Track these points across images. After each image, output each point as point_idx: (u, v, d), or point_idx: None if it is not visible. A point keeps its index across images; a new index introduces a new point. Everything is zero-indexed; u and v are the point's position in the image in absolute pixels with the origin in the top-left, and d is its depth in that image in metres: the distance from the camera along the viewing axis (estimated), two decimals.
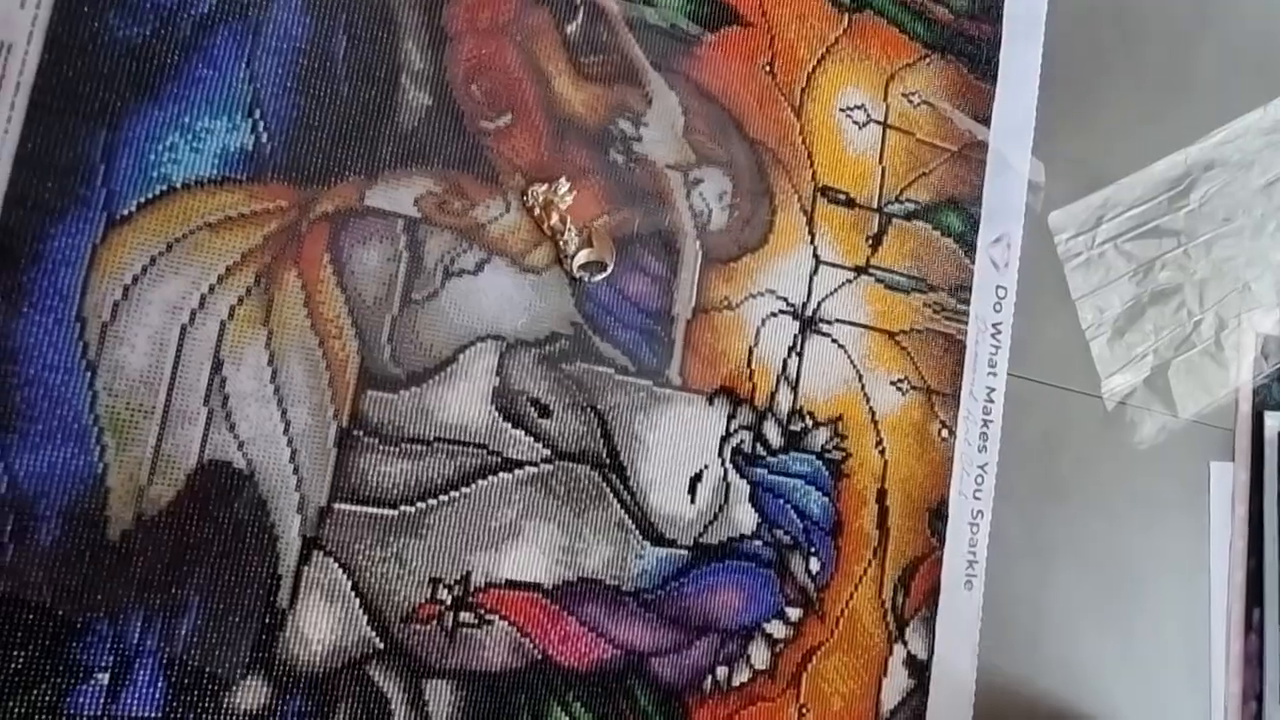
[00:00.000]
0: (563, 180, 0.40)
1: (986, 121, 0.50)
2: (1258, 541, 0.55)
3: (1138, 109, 0.54)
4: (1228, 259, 0.56)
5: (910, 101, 0.48)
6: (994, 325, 0.49)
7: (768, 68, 0.45)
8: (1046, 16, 0.52)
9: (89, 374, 0.33)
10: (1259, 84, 0.58)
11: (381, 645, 0.37)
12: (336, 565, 0.36)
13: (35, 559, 0.32)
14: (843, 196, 0.46)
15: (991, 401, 0.49)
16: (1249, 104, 0.58)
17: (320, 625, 0.36)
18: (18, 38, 0.33)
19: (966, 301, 0.49)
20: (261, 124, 0.36)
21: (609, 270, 0.41)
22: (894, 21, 0.48)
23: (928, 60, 0.49)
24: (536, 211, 0.40)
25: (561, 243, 0.40)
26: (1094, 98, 0.53)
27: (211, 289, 0.35)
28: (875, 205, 0.47)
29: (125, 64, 0.34)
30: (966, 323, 0.49)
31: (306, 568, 0.36)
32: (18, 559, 0.32)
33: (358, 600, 0.36)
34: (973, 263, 0.49)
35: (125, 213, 0.34)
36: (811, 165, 0.46)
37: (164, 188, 0.35)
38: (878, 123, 0.47)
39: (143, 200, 0.34)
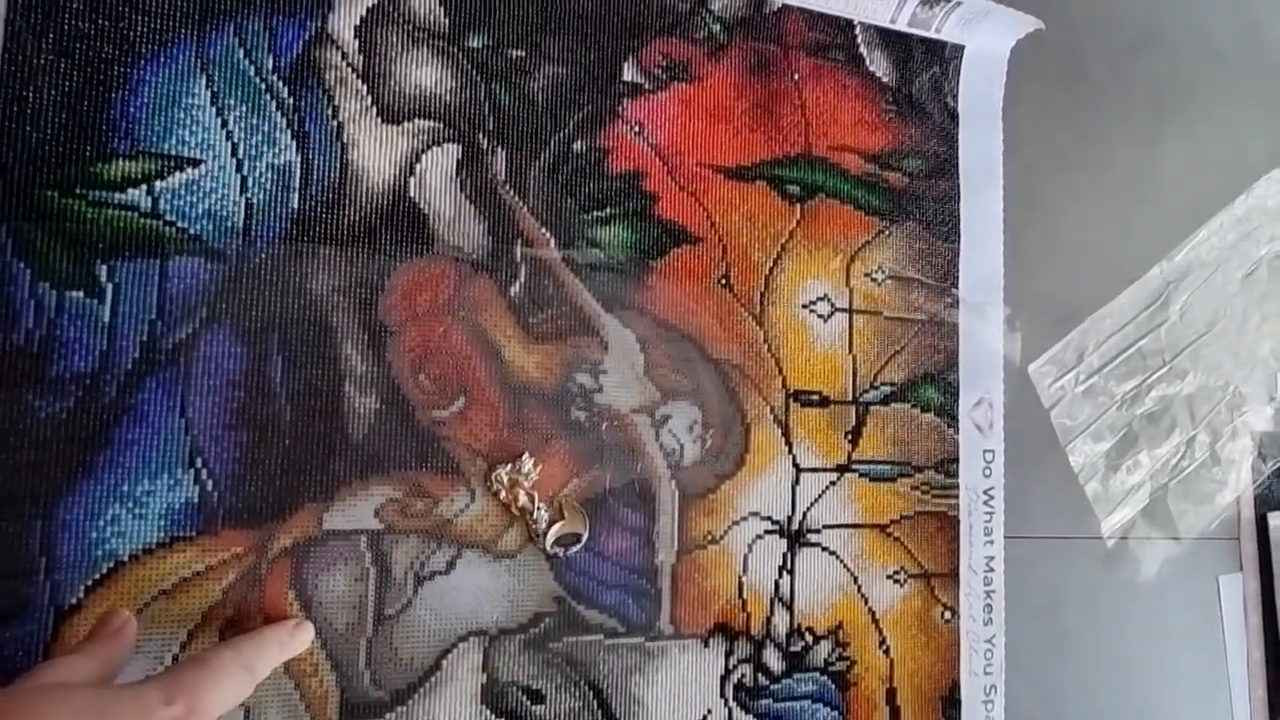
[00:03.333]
0: (525, 457, 0.39)
1: (955, 282, 0.48)
2: (1275, 650, 0.54)
3: (1107, 231, 0.53)
4: (1215, 366, 0.55)
5: (874, 279, 0.47)
6: (985, 492, 0.48)
7: (723, 280, 0.44)
8: (1004, 159, 0.50)
9: None
10: (1229, 177, 0.57)
11: None
12: None
13: None
14: (816, 397, 0.45)
15: (992, 570, 0.48)
16: (1220, 200, 0.56)
17: None
18: None
19: (954, 474, 0.47)
20: (205, 472, 0.34)
21: (584, 539, 0.40)
22: (848, 200, 0.46)
23: (886, 233, 0.47)
24: (503, 495, 0.38)
25: (531, 521, 0.39)
26: (1062, 231, 0.52)
27: (175, 658, 0.34)
28: (850, 398, 0.46)
29: (52, 445, 0.33)
30: (957, 496, 0.47)
31: None
32: None
33: None
34: (957, 433, 0.48)
35: (73, 602, 0.33)
36: (781, 373, 0.44)
37: (111, 565, 0.33)
38: (842, 310, 0.46)
39: (90, 583, 0.33)
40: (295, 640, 0.33)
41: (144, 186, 0.34)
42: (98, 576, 0.33)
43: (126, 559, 0.33)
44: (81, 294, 0.33)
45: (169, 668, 0.30)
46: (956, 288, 0.48)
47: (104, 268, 0.34)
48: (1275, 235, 0.58)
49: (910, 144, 0.48)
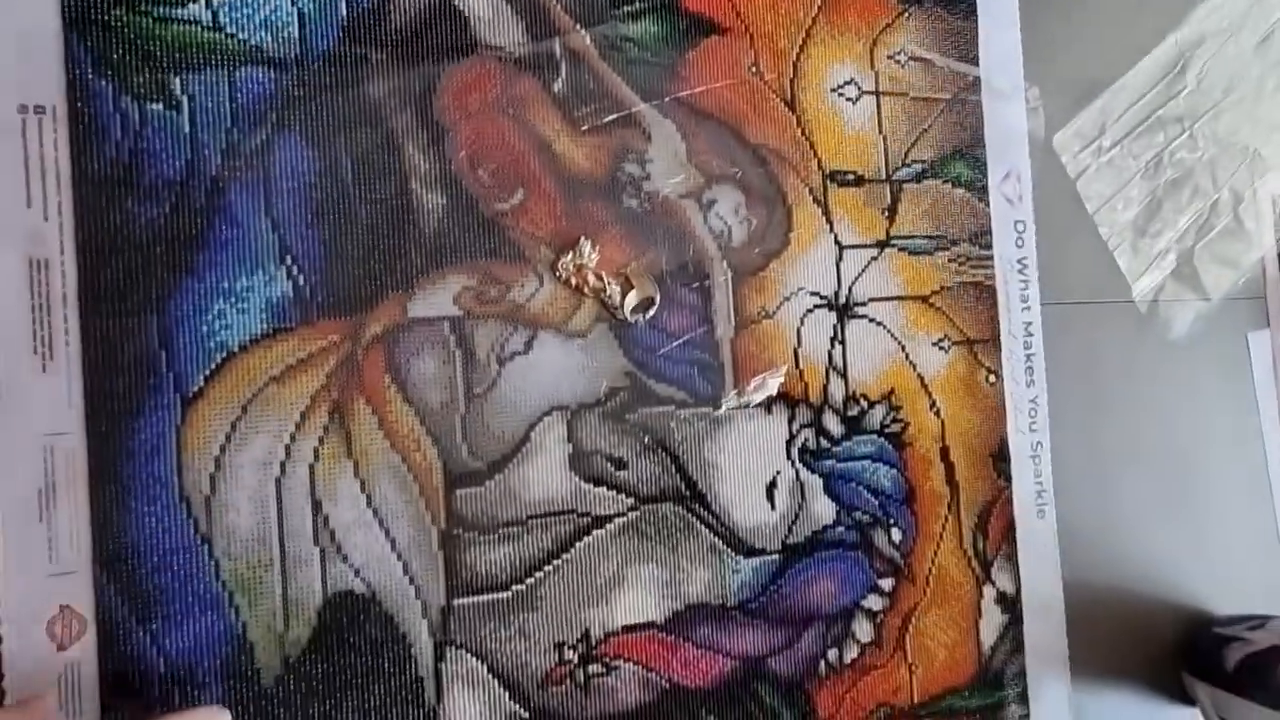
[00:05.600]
0: (584, 241, 0.41)
1: (975, 60, 0.50)
2: None
3: (1120, 4, 0.54)
4: (1234, 131, 0.56)
5: (897, 61, 0.48)
6: (1019, 261, 0.50)
7: (754, 68, 0.45)
8: None
9: (206, 546, 0.35)
10: None
11: (526, 714, 0.40)
12: (470, 655, 0.39)
13: None
14: (852, 176, 0.47)
15: (1031, 335, 0.50)
16: None
17: (469, 711, 0.39)
18: (52, 252, 0.34)
19: (989, 246, 0.50)
20: (295, 268, 0.37)
21: (658, 301, 0.42)
22: None
23: (906, 15, 0.48)
24: (572, 281, 0.41)
25: (606, 298, 0.41)
26: (1075, 5, 0.53)
27: (293, 437, 0.37)
28: (884, 176, 0.48)
29: (155, 249, 0.35)
30: (993, 267, 0.50)
31: (443, 664, 0.38)
32: None
33: (495, 681, 0.39)
34: (988, 206, 0.50)
35: (196, 389, 0.36)
36: (816, 155, 0.46)
37: (224, 355, 0.36)
38: (870, 93, 0.47)
39: (208, 373, 0.36)
40: None
41: (202, 1, 0.36)
42: (213, 366, 0.36)
43: (237, 350, 0.36)
44: (161, 106, 0.35)
45: None
46: (978, 66, 0.50)
47: (177, 80, 0.36)
48: None
49: None
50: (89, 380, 0.34)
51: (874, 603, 0.46)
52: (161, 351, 0.35)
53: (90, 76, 0.35)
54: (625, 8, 0.43)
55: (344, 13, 0.38)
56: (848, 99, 0.47)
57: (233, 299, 0.36)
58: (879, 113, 0.48)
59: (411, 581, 0.38)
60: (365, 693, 0.37)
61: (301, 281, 0.37)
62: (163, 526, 0.35)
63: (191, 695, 0.35)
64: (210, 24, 0.36)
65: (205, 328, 0.36)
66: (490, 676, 0.39)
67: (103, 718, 0.34)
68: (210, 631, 0.35)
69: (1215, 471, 0.54)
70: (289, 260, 0.37)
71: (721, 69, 0.44)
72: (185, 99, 0.36)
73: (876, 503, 0.46)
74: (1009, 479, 0.49)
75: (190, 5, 0.36)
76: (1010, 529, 0.49)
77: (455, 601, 0.39)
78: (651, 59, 0.43)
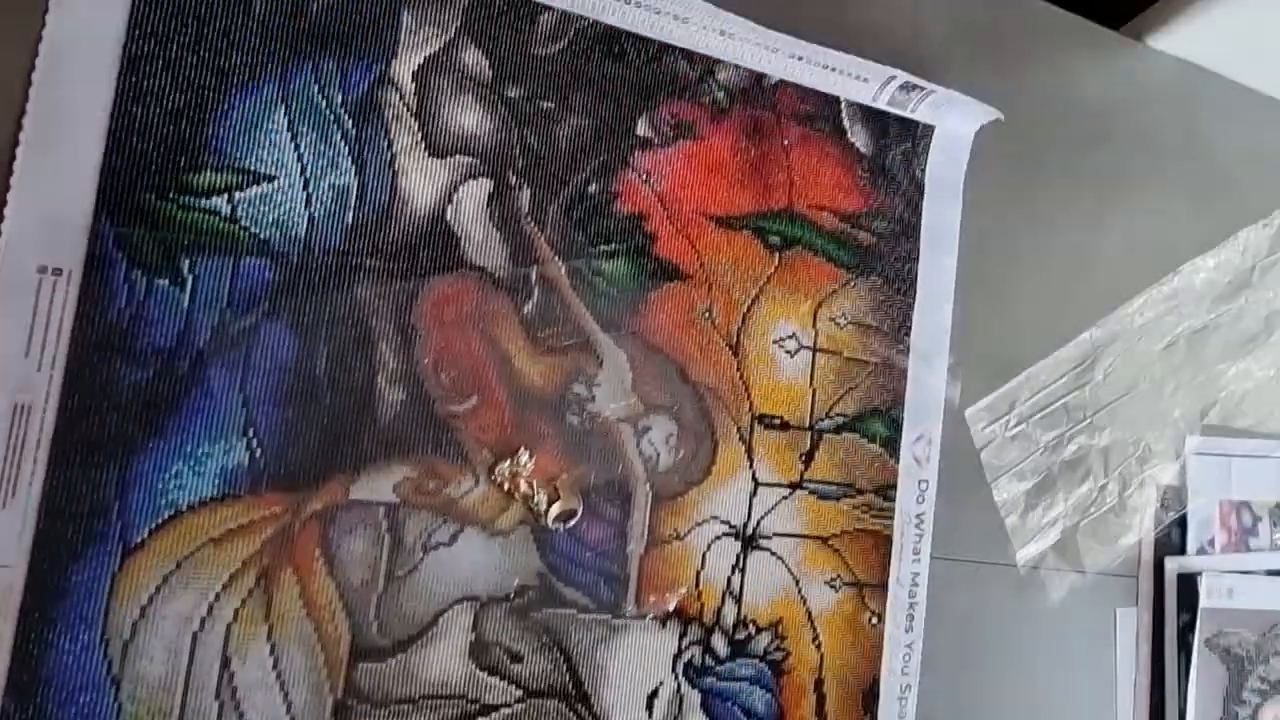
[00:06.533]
0: (523, 451, 0.45)
1: (908, 331, 0.56)
2: (1159, 676, 0.62)
3: (1048, 298, 0.60)
4: (1130, 423, 0.63)
5: (837, 324, 0.54)
6: (918, 516, 0.55)
7: (707, 314, 0.50)
8: (961, 228, 0.57)
9: (114, 688, 0.38)
10: (1160, 259, 0.64)
11: None
12: None
13: None
14: (778, 421, 0.52)
15: (916, 585, 0.55)
16: (1150, 278, 0.64)
17: None
18: (36, 399, 0.37)
19: (892, 499, 0.55)
20: (255, 441, 0.41)
21: (579, 513, 0.46)
22: (820, 253, 0.53)
23: (851, 284, 0.54)
24: (506, 486, 0.45)
25: (533, 505, 0.45)
26: (1007, 296, 0.59)
27: (218, 596, 0.40)
28: (807, 425, 0.53)
29: (132, 407, 0.39)
30: (893, 518, 0.54)
31: None
32: None
33: None
34: (897, 463, 0.55)
35: (139, 540, 0.39)
36: (749, 398, 0.51)
37: (171, 512, 0.39)
38: (808, 348, 0.53)
39: (153, 526, 0.39)
40: None
41: (225, 195, 0.41)
42: (160, 521, 0.39)
43: (185, 508, 0.40)
44: (167, 282, 0.40)
45: None
46: (909, 337, 0.55)
47: (187, 261, 0.40)
48: (1195, 314, 0.66)
49: (880, 207, 0.55)
50: (41, 521, 0.37)
51: None
52: (116, 502, 0.38)
53: (110, 248, 0.39)
54: (603, 246, 0.48)
55: (349, 220, 0.43)
56: (787, 351, 0.52)
57: (192, 462, 0.40)
58: (813, 366, 0.53)
59: None
60: None
61: (258, 454, 0.41)
62: (79, 664, 0.38)
63: None
64: (228, 216, 0.41)
65: (160, 484, 0.39)
66: None
67: None
68: None
69: None
70: (250, 433, 0.41)
71: (679, 311, 0.50)
72: (190, 278, 0.40)
73: None
74: (874, 717, 0.53)
75: (214, 198, 0.40)
76: None
77: None
78: (617, 294, 0.48)
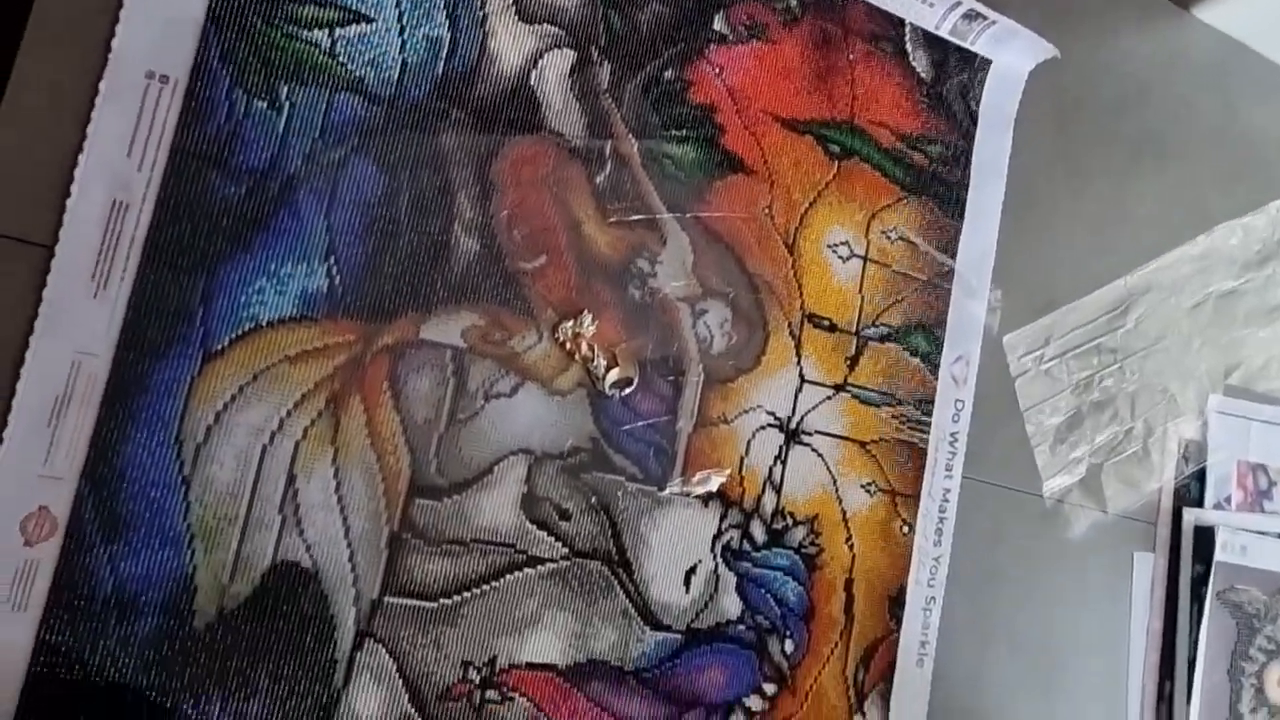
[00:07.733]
0: (586, 313, 0.47)
1: (953, 254, 0.57)
2: (1171, 623, 0.63)
3: (1085, 241, 0.62)
4: (1158, 373, 0.64)
5: (888, 237, 0.55)
6: (951, 434, 0.56)
7: (767, 210, 0.52)
8: (1009, 163, 0.59)
9: (184, 488, 0.39)
10: (1191, 219, 0.66)
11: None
12: (384, 651, 0.42)
13: (135, 649, 0.38)
14: (826, 322, 0.53)
15: (947, 501, 0.56)
16: (1182, 236, 0.66)
17: (369, 703, 0.42)
18: (134, 198, 0.38)
19: (929, 413, 0.56)
20: (335, 268, 0.42)
21: (635, 383, 0.47)
22: (877, 167, 0.55)
23: (905, 201, 0.56)
24: (567, 345, 0.46)
25: (592, 367, 0.46)
26: (1047, 233, 0.61)
27: (289, 413, 0.41)
28: (854, 330, 0.54)
29: (223, 219, 0.40)
30: (929, 432, 0.56)
31: (359, 653, 0.42)
32: (120, 649, 0.38)
33: (401, 681, 0.42)
34: (936, 379, 0.56)
35: (219, 348, 0.40)
36: (801, 295, 0.52)
37: (252, 325, 0.40)
38: (859, 257, 0.54)
39: (233, 337, 0.40)
40: None
41: (327, 29, 0.42)
42: (240, 332, 0.40)
43: (265, 324, 0.41)
44: (265, 105, 0.41)
45: None
46: (954, 260, 0.57)
47: (285, 88, 0.41)
48: (1224, 277, 0.67)
49: (935, 133, 0.57)
50: (130, 315, 0.38)
51: (755, 703, 0.50)
52: (200, 308, 0.39)
53: (215, 64, 0.40)
54: (674, 131, 0.49)
55: (440, 71, 0.44)
56: (840, 256, 0.54)
57: (275, 280, 0.41)
58: (863, 275, 0.54)
59: (353, 569, 0.42)
60: (282, 660, 0.40)
61: (337, 281, 0.42)
62: (153, 460, 0.38)
63: (128, 619, 0.38)
64: (327, 50, 0.42)
65: (244, 298, 0.40)
66: (397, 676, 0.42)
67: (42, 620, 0.37)
68: (163, 566, 0.38)
69: (1080, 667, 0.59)
70: (332, 260, 0.42)
71: (741, 203, 0.51)
72: (287, 104, 0.41)
73: (779, 612, 0.51)
74: (899, 623, 0.54)
75: (316, 31, 0.42)
76: (890, 669, 0.54)
77: (386, 599, 0.42)
78: (684, 179, 0.50)
